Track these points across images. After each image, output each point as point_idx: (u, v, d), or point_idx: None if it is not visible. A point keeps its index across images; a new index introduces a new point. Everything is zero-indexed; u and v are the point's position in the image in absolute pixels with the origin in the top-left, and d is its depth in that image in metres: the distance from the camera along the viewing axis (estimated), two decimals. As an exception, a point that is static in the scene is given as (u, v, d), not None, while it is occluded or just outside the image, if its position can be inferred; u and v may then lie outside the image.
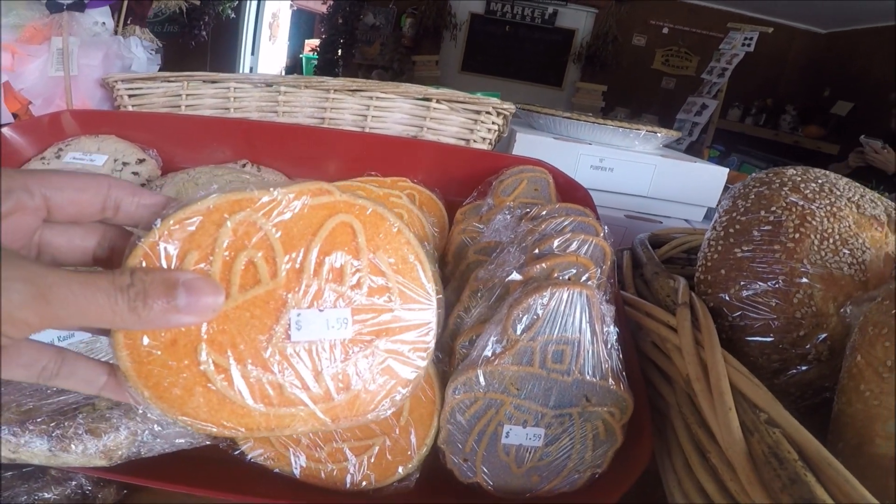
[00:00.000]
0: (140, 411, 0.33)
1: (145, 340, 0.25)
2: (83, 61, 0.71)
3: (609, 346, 0.38)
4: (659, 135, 0.93)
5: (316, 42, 5.59)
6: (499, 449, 0.40)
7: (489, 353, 0.37)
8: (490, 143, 0.81)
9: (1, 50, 0.66)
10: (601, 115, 0.98)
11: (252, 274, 0.27)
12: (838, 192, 0.42)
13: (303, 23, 6.64)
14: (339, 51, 5.12)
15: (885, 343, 0.31)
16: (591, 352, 0.37)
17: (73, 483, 0.38)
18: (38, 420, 0.34)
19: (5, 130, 0.62)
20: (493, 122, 0.77)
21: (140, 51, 0.79)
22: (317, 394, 0.28)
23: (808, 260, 0.39)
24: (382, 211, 0.30)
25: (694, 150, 3.83)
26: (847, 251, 0.38)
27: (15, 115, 0.70)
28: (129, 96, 0.70)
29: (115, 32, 0.82)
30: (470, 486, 0.42)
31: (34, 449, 0.33)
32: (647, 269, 0.54)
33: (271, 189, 0.27)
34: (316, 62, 5.38)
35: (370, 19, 5.23)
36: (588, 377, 0.37)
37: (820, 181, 0.43)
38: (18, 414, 0.34)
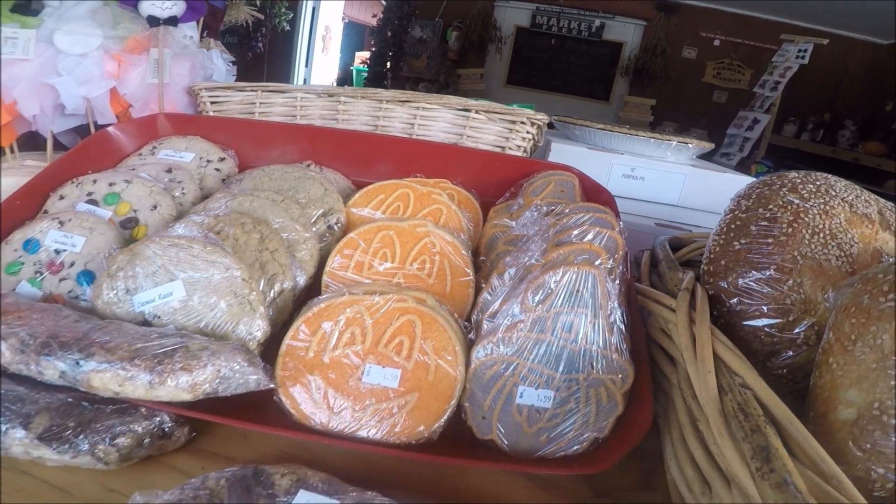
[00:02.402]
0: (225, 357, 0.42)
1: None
2: (174, 70, 0.82)
3: (612, 320, 0.44)
4: (690, 146, 0.97)
5: (366, 54, 5.79)
6: (513, 408, 0.46)
7: (508, 322, 0.44)
8: (525, 152, 0.87)
9: (108, 59, 0.78)
10: (649, 129, 1.02)
11: (352, 338, 0.46)
12: (833, 193, 0.46)
13: (353, 34, 6.91)
14: (388, 63, 5.28)
15: (851, 321, 0.35)
16: (595, 325, 0.43)
17: (158, 419, 0.44)
18: (145, 357, 0.42)
19: (110, 129, 0.74)
20: (528, 132, 0.84)
21: (220, 62, 0.91)
22: (363, 418, 0.45)
23: (799, 252, 0.43)
24: (435, 314, 0.47)
25: (745, 166, 3.74)
26: (835, 244, 0.43)
27: (117, 117, 0.82)
28: (211, 103, 0.82)
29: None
30: (485, 444, 0.48)
31: (137, 382, 0.41)
32: (663, 265, 0.59)
33: (375, 296, 0.47)
34: (366, 74, 5.58)
35: (417, 32, 5.34)
36: (593, 347, 0.44)
37: (818, 183, 0.47)
38: (129, 352, 0.42)
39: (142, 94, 0.78)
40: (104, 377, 0.41)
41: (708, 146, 1.01)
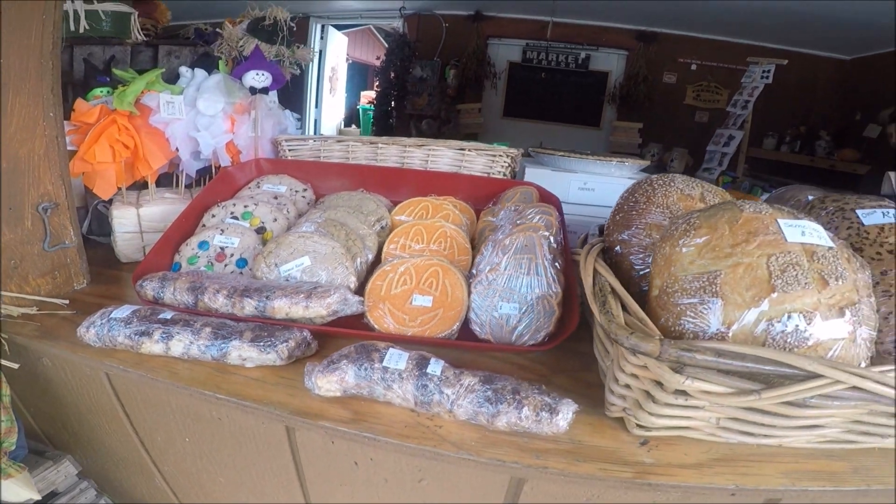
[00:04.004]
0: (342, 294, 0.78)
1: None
2: (264, 126, 1.19)
3: (547, 263, 0.79)
4: (627, 163, 1.34)
5: (372, 94, 6.08)
6: (497, 316, 0.81)
7: (490, 267, 0.80)
8: (505, 175, 1.24)
9: (225, 118, 1.15)
10: (638, 150, 1.37)
11: (405, 281, 0.83)
12: (673, 185, 0.82)
13: (358, 75, 7.19)
14: (392, 102, 5.57)
15: (659, 243, 0.71)
16: (538, 264, 0.79)
17: (304, 334, 0.76)
18: (301, 291, 0.77)
19: (230, 169, 1.12)
20: (505, 161, 1.21)
21: (291, 120, 1.30)
22: (413, 325, 0.79)
23: (650, 217, 0.79)
24: (449, 265, 0.84)
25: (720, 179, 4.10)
26: (669, 212, 0.79)
27: (231, 161, 1.19)
28: (289, 150, 1.20)
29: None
30: (483, 341, 0.83)
31: (299, 305, 0.75)
32: (588, 238, 0.95)
33: (416, 258, 0.83)
34: (373, 113, 5.89)
35: (418, 72, 5.65)
36: (538, 276, 0.79)
37: (665, 180, 0.83)
38: (292, 290, 0.77)
39: (245, 144, 1.17)
40: (281, 304, 0.76)
41: (643, 163, 1.37)
